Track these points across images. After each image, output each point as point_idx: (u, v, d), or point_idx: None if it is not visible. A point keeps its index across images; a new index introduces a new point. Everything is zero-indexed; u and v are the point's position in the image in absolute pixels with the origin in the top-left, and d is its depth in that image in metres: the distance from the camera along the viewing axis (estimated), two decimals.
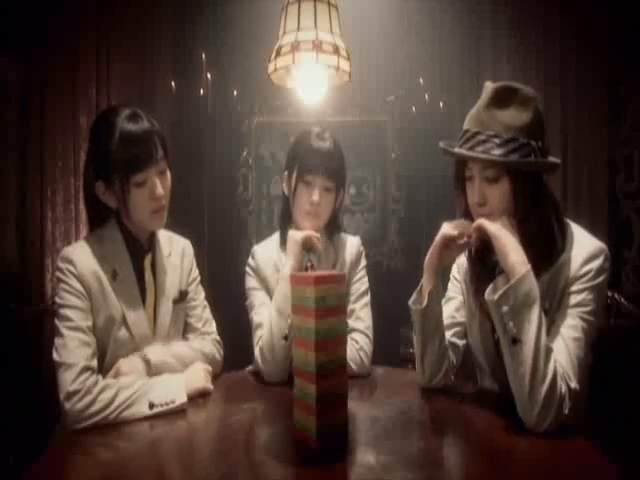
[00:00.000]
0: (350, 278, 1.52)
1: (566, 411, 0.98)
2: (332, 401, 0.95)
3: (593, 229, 1.17)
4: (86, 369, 1.12)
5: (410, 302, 1.24)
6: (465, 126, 1.14)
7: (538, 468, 0.92)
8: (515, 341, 1.01)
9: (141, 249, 1.31)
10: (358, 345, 1.43)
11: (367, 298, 1.53)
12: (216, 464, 0.93)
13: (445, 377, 1.27)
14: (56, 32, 2.40)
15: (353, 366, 1.39)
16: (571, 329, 1.06)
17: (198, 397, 1.24)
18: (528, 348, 1.00)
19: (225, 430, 1.09)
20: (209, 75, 2.92)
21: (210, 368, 1.35)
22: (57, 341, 1.15)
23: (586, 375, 1.09)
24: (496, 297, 1.03)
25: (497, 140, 1.07)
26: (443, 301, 1.35)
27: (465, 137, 1.12)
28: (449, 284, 1.41)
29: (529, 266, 1.04)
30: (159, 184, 1.21)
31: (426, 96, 3.02)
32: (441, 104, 2.98)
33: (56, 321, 1.17)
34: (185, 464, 0.94)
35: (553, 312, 1.11)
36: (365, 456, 0.93)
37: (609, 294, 1.41)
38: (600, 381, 1.22)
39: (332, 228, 1.56)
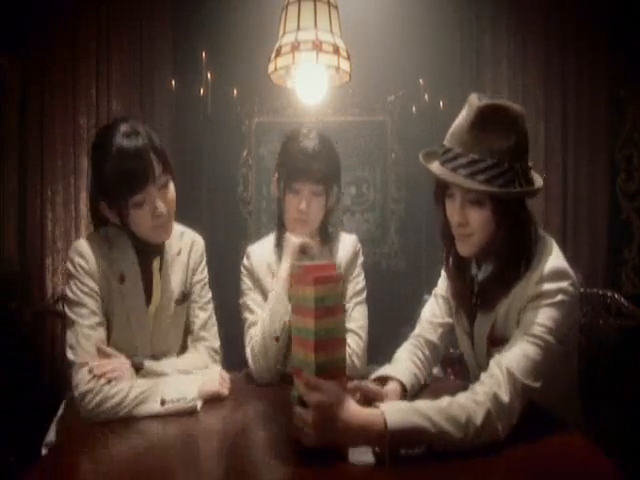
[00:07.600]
0: (346, 277, 1.48)
1: (499, 428, 0.93)
2: None
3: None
4: None
5: None
6: (448, 143, 1.09)
7: (538, 468, 0.92)
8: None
9: (149, 252, 1.29)
10: (349, 349, 1.38)
11: (362, 296, 1.50)
12: (216, 464, 0.93)
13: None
14: (56, 32, 2.41)
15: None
16: (517, 347, 1.01)
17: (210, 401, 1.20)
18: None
19: (225, 430, 1.10)
20: (209, 75, 2.92)
21: (227, 374, 1.31)
22: (70, 338, 1.15)
23: (528, 396, 1.00)
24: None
25: (481, 165, 1.03)
26: (431, 298, 1.35)
27: (448, 156, 1.08)
28: (439, 281, 1.37)
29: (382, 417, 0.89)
30: (159, 201, 1.17)
31: (426, 96, 3.02)
32: (441, 104, 2.97)
33: (68, 312, 1.17)
34: (185, 464, 0.94)
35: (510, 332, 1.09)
36: (365, 456, 0.93)
37: (609, 294, 1.41)
38: (600, 381, 1.22)
39: (325, 230, 1.52)
